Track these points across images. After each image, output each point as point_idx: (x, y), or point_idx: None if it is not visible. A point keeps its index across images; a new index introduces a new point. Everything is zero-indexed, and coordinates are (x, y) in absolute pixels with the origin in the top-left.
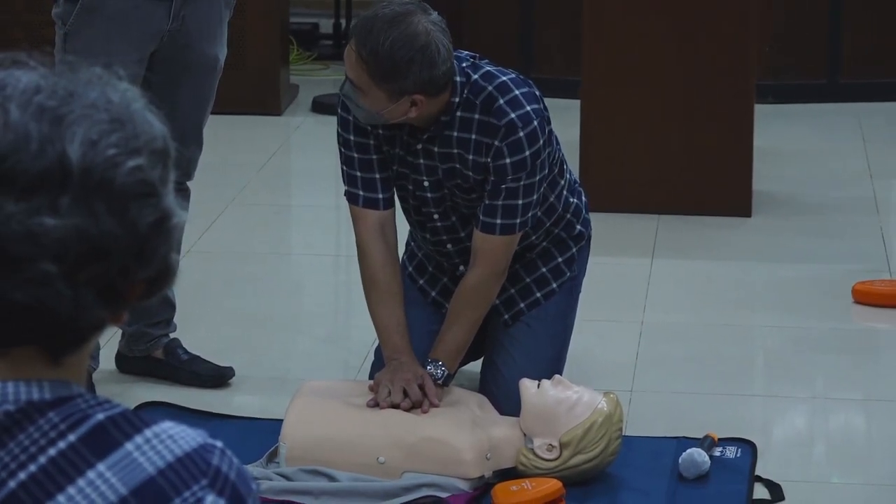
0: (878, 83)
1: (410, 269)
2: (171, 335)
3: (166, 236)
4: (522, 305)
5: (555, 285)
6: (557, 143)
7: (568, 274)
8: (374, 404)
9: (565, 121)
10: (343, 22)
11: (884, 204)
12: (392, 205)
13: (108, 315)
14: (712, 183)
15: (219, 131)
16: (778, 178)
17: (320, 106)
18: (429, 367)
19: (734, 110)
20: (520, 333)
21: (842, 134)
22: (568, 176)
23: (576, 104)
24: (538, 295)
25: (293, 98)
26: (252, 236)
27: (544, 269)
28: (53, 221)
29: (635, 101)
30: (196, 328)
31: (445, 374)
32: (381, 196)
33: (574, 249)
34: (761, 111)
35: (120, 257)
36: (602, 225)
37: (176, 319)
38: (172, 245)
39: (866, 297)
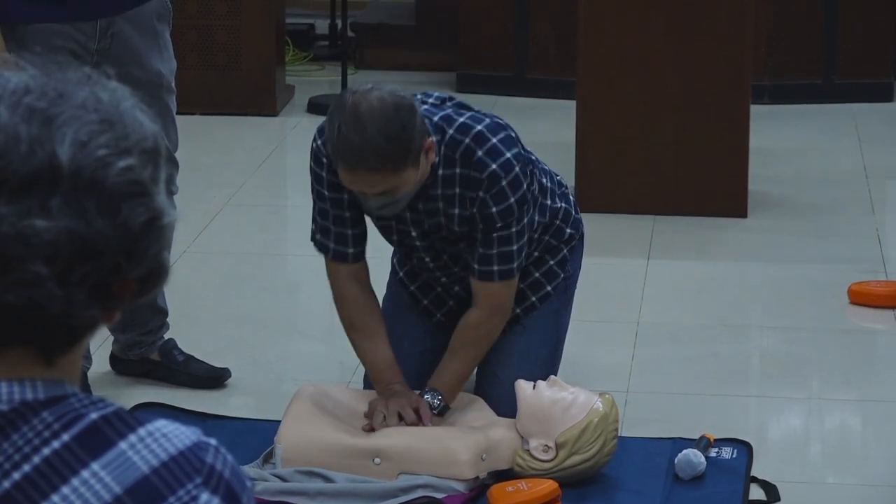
0: (873, 83)
1: (402, 274)
2: (166, 336)
3: (158, 235)
4: (518, 311)
5: (549, 288)
6: (537, 161)
7: (561, 275)
8: (370, 429)
9: (561, 121)
10: (339, 23)
11: (879, 204)
12: (362, 258)
13: (100, 314)
14: (708, 183)
15: (215, 132)
16: (774, 179)
17: (316, 107)
18: (426, 396)
19: (730, 111)
20: (513, 333)
21: (837, 134)
22: (550, 184)
23: (571, 105)
24: (533, 299)
25: (289, 99)
26: (248, 237)
27: (537, 274)
28: (44, 223)
29: (631, 101)
30: (192, 329)
31: (443, 405)
32: (350, 251)
33: (565, 251)
34: (757, 111)
35: (111, 257)
36: (598, 226)
37: (171, 320)
38: (164, 244)
39: (862, 298)
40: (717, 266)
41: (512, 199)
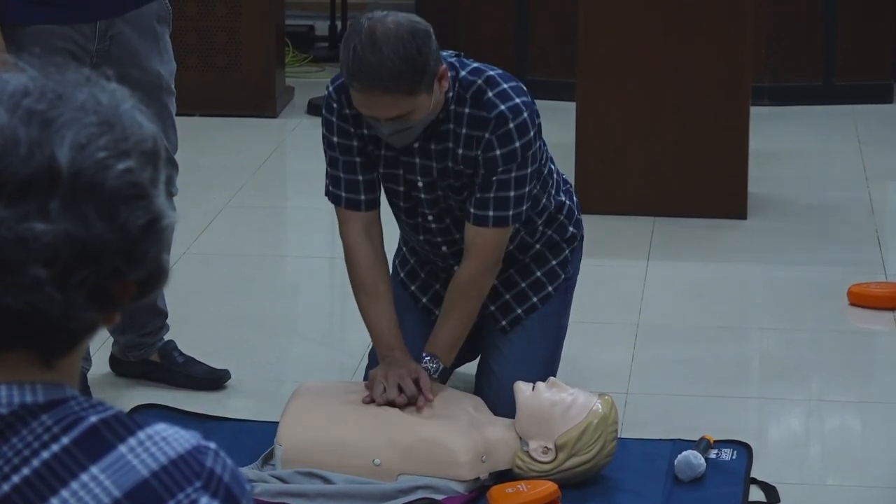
0: (873, 85)
1: (402, 275)
2: (165, 337)
3: (157, 237)
4: (520, 311)
5: (550, 289)
6: (544, 143)
7: (563, 276)
8: (370, 400)
9: (561, 123)
10: (339, 24)
11: (879, 206)
12: (375, 206)
13: (100, 317)
14: (708, 185)
15: (214, 133)
16: (773, 181)
17: (316, 108)
18: (424, 361)
19: (730, 112)
20: (513, 334)
21: (837, 136)
22: (556, 176)
23: (571, 106)
24: (535, 300)
25: (289, 100)
26: (248, 238)
27: (539, 274)
28: (43, 226)
29: (631, 103)
30: (192, 330)
31: (441, 367)
32: (363, 198)
33: (567, 251)
34: (757, 113)
35: (111, 260)
36: (598, 227)
37: (170, 322)
38: (164, 246)
39: (862, 300)
40: (717, 267)
41: (517, 144)
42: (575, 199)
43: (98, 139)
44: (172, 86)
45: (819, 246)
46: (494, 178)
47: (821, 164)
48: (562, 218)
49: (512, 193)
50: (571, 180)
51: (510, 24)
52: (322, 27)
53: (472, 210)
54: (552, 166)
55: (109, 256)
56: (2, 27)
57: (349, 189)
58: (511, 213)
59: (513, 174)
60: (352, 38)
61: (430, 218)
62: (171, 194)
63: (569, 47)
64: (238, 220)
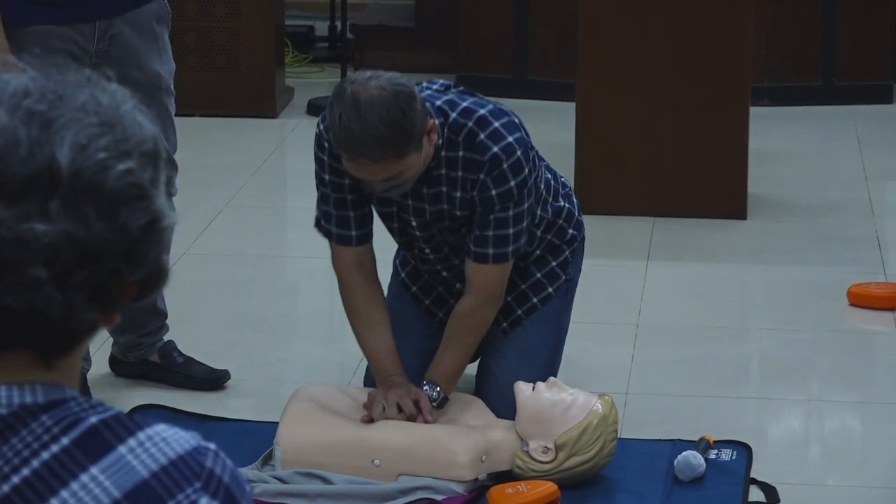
0: (872, 85)
1: (403, 275)
2: (165, 337)
3: (157, 238)
4: (520, 312)
5: (551, 290)
6: (541, 159)
7: (563, 277)
8: (369, 420)
9: (560, 123)
10: (339, 24)
11: (879, 206)
12: (367, 240)
13: (100, 317)
14: (707, 185)
15: (214, 133)
16: (773, 181)
17: (316, 108)
18: (425, 388)
19: (729, 112)
20: (514, 334)
21: (837, 136)
22: (554, 182)
23: (571, 107)
24: (535, 300)
25: (289, 100)
26: (247, 239)
27: (539, 275)
28: (43, 227)
29: (631, 103)
30: (191, 331)
31: (441, 396)
32: (353, 233)
33: (567, 252)
34: (757, 113)
35: (111, 260)
36: (597, 227)
37: (170, 322)
38: (163, 247)
39: (862, 300)
40: (717, 268)
41: (512, 183)
42: (575, 200)
43: (98, 140)
44: (172, 86)
45: (819, 246)
46: (492, 217)
47: (821, 164)
48: (561, 222)
49: (511, 231)
50: (571, 180)
51: (510, 24)
52: (322, 27)
53: (471, 247)
54: (548, 175)
55: (109, 257)
56: (3, 27)
57: (340, 225)
58: (510, 249)
59: (511, 212)
60: (336, 105)
61: (427, 251)
62: (170, 195)
63: (569, 47)
64: (238, 220)
